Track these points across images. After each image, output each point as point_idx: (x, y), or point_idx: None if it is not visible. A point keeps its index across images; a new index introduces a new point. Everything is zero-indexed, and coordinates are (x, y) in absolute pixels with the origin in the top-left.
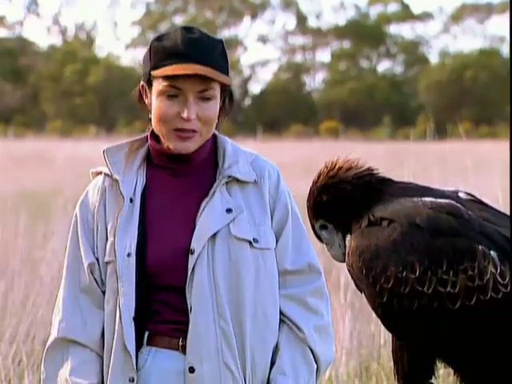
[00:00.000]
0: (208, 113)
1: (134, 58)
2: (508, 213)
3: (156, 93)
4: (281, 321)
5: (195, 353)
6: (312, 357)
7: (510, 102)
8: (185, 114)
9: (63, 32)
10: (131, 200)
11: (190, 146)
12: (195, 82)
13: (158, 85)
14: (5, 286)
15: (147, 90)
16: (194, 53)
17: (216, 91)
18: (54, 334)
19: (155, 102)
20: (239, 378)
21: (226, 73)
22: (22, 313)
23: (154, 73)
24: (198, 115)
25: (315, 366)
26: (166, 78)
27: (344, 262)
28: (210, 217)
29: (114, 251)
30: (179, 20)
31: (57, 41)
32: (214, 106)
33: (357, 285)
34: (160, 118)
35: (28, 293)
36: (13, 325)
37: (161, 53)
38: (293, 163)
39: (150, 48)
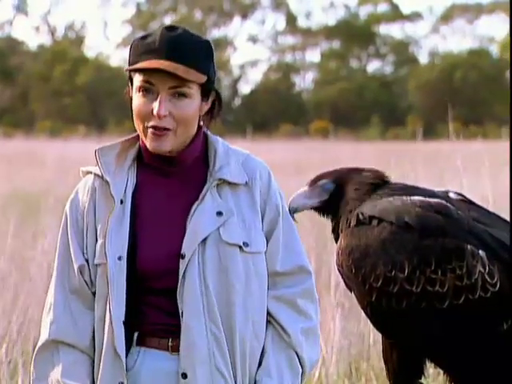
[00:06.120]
0: (181, 111)
1: (123, 57)
2: (497, 213)
3: (135, 89)
4: (267, 322)
5: (188, 358)
6: (297, 360)
7: (510, 103)
8: (155, 111)
9: (52, 32)
10: (121, 201)
11: (165, 145)
12: (166, 78)
13: (136, 80)
14: None
15: (130, 87)
16: (168, 50)
17: (192, 89)
18: (44, 336)
19: (134, 98)
20: (231, 382)
21: (205, 72)
22: (13, 313)
23: (128, 68)
24: (172, 113)
25: (300, 370)
26: (140, 72)
27: (292, 209)
28: (200, 220)
29: (105, 254)
30: (169, 20)
31: (46, 40)
32: (189, 105)
33: (346, 284)
34: (136, 114)
35: (18, 293)
36: (3, 325)
37: (138, 49)
38: (283, 163)
39: (131, 46)
